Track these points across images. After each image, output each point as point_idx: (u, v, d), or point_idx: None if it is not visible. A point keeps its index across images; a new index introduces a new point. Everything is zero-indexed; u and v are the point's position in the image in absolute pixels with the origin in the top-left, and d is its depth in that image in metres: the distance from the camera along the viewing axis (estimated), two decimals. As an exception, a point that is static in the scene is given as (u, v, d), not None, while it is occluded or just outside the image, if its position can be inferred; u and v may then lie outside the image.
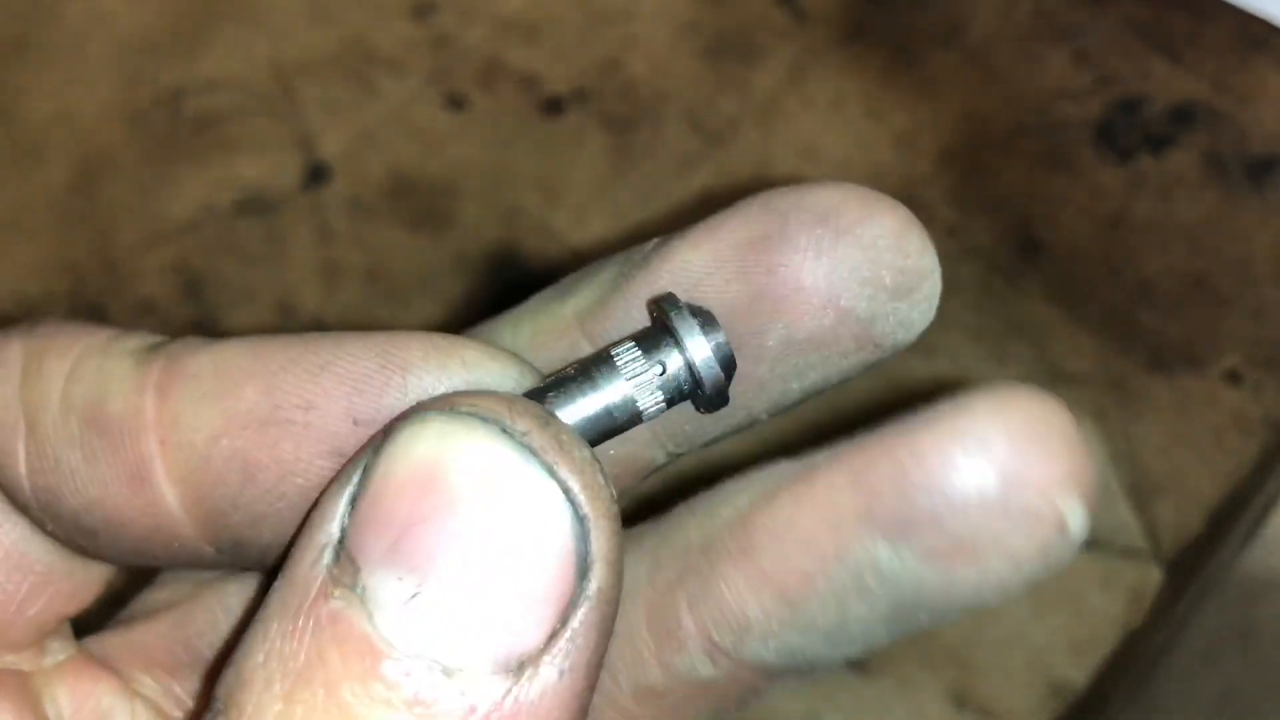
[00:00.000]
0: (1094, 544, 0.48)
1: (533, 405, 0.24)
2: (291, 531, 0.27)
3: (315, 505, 0.25)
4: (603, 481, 0.24)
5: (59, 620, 0.31)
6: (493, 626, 0.23)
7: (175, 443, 0.27)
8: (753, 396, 0.28)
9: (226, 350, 0.27)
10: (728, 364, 0.27)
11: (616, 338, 0.28)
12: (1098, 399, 0.51)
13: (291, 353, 0.27)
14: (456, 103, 0.57)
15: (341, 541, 0.24)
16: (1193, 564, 0.48)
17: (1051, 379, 0.51)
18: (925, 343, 0.53)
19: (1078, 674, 0.47)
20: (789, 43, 0.58)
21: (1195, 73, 0.57)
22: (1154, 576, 0.48)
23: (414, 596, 0.23)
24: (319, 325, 0.53)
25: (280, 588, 0.24)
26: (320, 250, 0.55)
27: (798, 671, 0.27)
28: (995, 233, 0.54)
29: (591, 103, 0.57)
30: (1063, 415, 0.25)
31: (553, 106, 0.57)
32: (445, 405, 0.24)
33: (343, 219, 0.55)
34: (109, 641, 0.32)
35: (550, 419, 0.24)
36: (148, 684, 0.32)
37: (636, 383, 0.26)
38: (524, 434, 0.23)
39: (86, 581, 0.31)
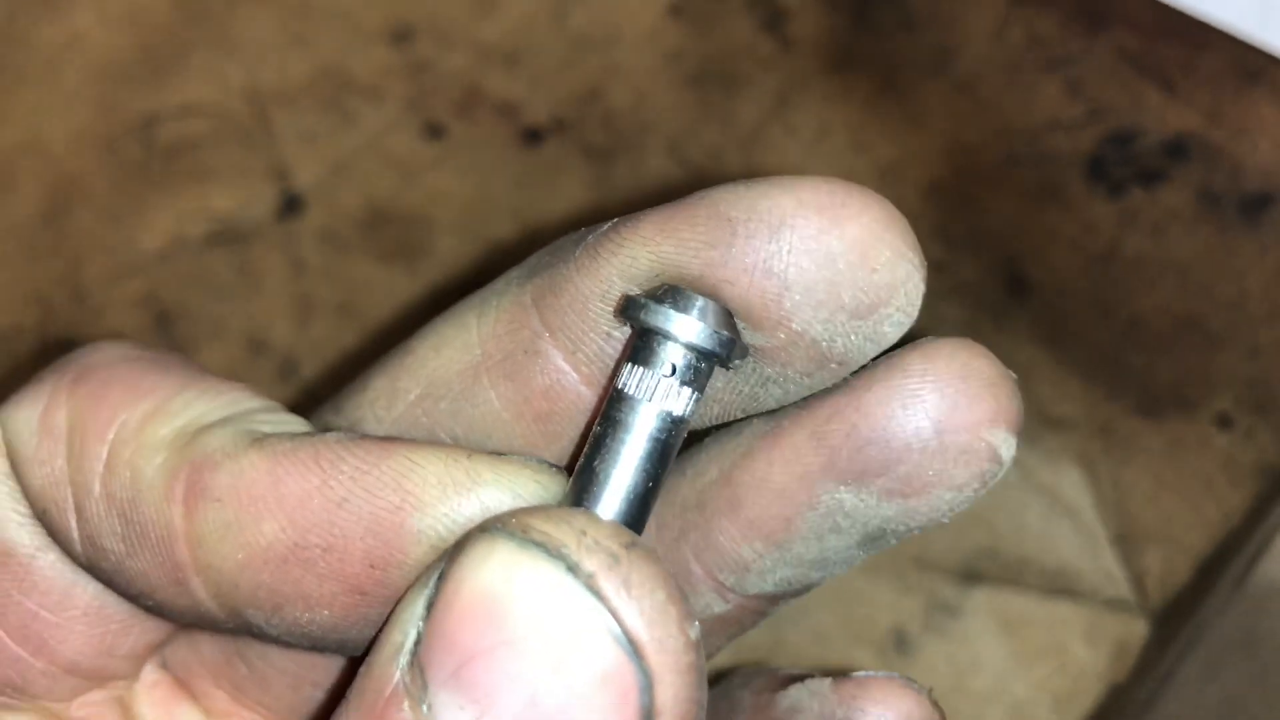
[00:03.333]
0: (1078, 595, 0.47)
1: (606, 534, 0.23)
2: (334, 637, 0.27)
3: (400, 600, 0.25)
4: (676, 628, 0.23)
5: (151, 650, 0.32)
6: None
7: (205, 564, 0.27)
8: (718, 402, 0.29)
9: (247, 470, 0.27)
10: (721, 319, 0.26)
11: (570, 324, 0.28)
12: (1085, 445, 0.49)
13: (310, 483, 0.26)
14: (434, 131, 0.56)
15: (417, 644, 0.24)
16: (1180, 617, 0.47)
17: (1038, 424, 0.50)
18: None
19: (1060, 729, 0.46)
20: (773, 71, 0.57)
21: (1190, 105, 0.55)
22: (1140, 630, 0.46)
23: None
24: (290, 361, 0.52)
25: (361, 679, 0.24)
26: (293, 283, 0.54)
27: (794, 592, 0.31)
28: (982, 270, 0.53)
29: (571, 132, 0.56)
30: (984, 360, 0.28)
31: (532, 136, 0.56)
32: (517, 526, 0.23)
33: (316, 251, 0.54)
34: (180, 654, 0.33)
35: (621, 556, 0.23)
36: (220, 698, 0.32)
37: (661, 396, 0.26)
38: (589, 576, 0.23)
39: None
